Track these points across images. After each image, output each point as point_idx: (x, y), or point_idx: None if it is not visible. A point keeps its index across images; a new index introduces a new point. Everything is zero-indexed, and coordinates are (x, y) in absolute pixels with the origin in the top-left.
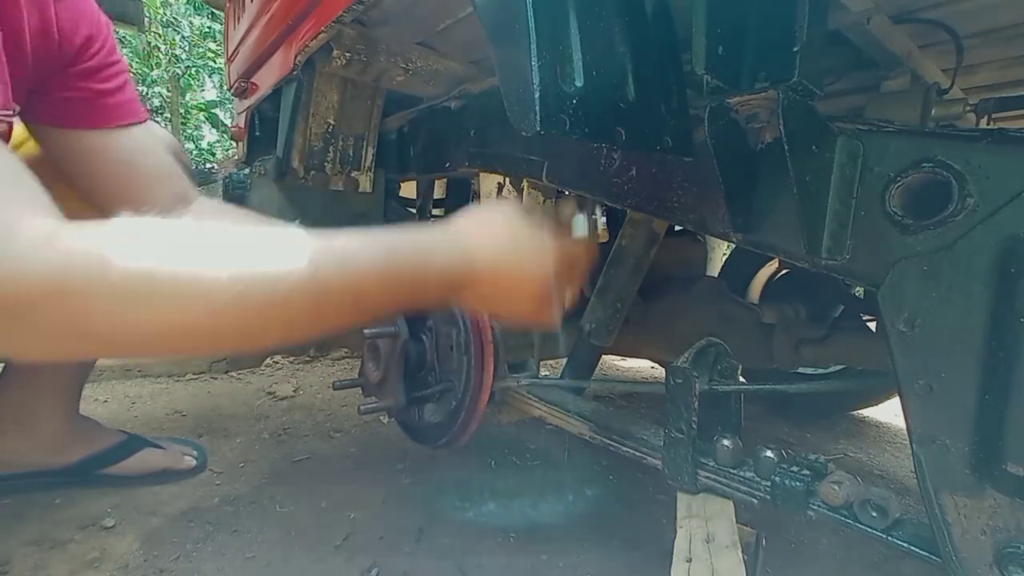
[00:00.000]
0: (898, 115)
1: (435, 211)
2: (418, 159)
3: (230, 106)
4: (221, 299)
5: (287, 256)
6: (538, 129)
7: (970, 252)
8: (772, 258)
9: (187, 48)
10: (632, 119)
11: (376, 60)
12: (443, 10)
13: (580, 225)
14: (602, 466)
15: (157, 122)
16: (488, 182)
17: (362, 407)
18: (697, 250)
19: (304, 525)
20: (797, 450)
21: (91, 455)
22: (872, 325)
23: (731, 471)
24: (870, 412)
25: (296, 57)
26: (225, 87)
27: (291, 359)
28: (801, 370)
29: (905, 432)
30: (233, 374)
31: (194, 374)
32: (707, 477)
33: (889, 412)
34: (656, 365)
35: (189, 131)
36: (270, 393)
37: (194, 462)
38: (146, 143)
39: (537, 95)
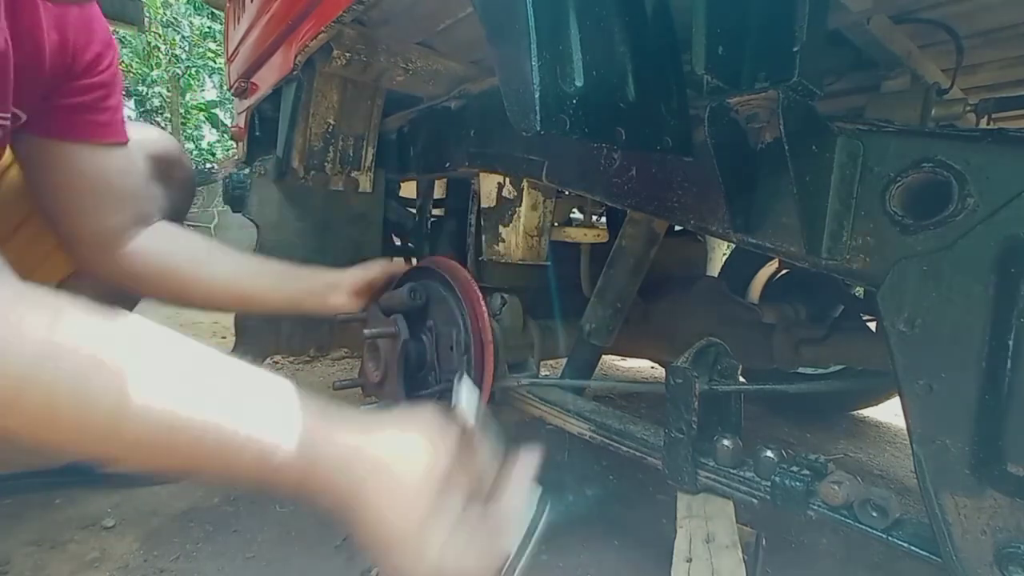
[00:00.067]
0: (898, 115)
1: (435, 211)
2: (418, 159)
3: (230, 106)
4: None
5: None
6: (538, 129)
7: (970, 252)
8: (772, 258)
9: (187, 48)
10: (632, 119)
11: (376, 60)
12: (443, 10)
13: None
14: (602, 466)
15: (157, 122)
16: (488, 182)
17: (362, 407)
18: (697, 250)
19: (304, 525)
20: (797, 450)
21: None
22: (872, 325)
23: (731, 471)
24: (870, 412)
25: (296, 57)
26: (225, 87)
27: (291, 359)
28: (801, 370)
29: (905, 432)
30: None
31: None
32: (707, 477)
33: (889, 412)
34: (656, 365)
35: (189, 131)
36: None
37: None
38: (124, 165)
39: (537, 95)
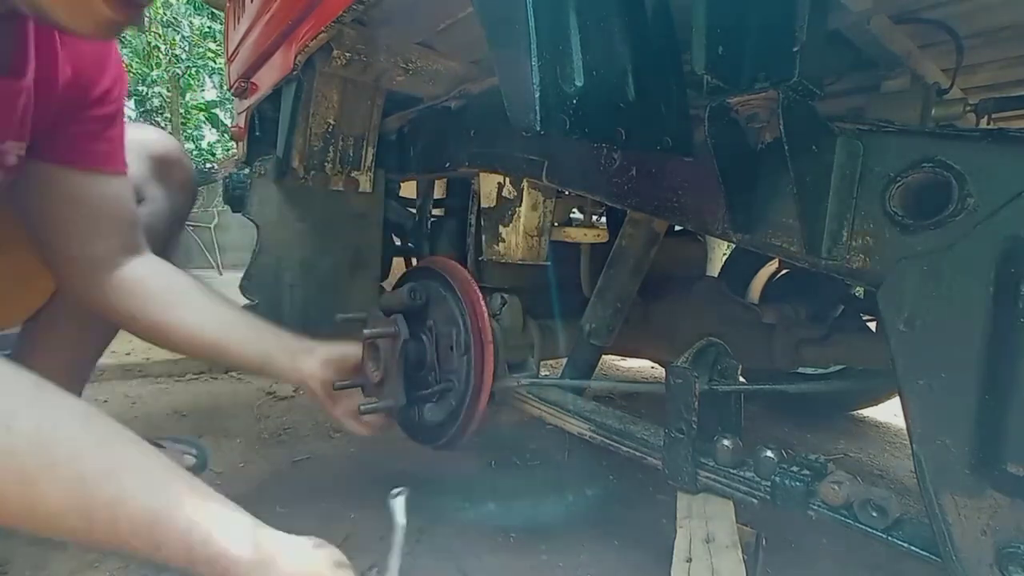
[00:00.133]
0: (898, 115)
1: (435, 211)
2: (418, 159)
3: (230, 106)
4: None
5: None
6: (538, 129)
7: (970, 252)
8: (772, 258)
9: (187, 48)
10: (632, 119)
11: (376, 60)
12: (443, 10)
13: None
14: (602, 466)
15: (157, 122)
16: (488, 182)
17: (362, 407)
18: (697, 250)
19: (304, 525)
20: (797, 450)
21: None
22: (872, 325)
23: (731, 471)
24: (870, 412)
25: (296, 57)
26: (225, 87)
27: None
28: (801, 370)
29: (905, 432)
30: (233, 374)
31: (194, 374)
32: (707, 477)
33: (889, 412)
34: (656, 365)
35: (189, 131)
36: (270, 393)
37: (194, 462)
38: (119, 194)
39: (537, 95)
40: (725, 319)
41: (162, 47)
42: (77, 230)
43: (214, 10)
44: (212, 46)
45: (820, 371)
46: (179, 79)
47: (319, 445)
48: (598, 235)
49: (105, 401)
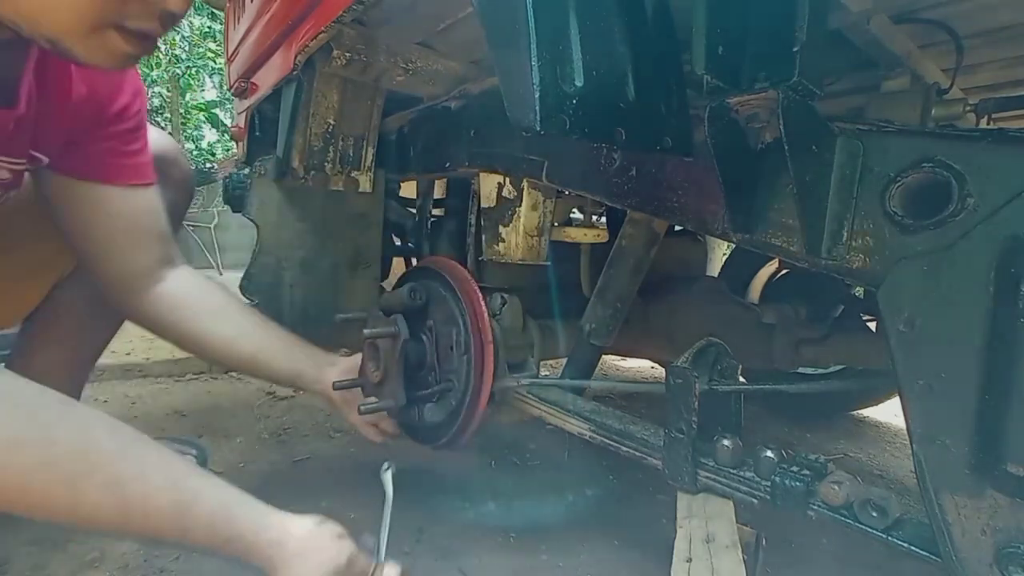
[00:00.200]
0: (898, 115)
1: (435, 211)
2: (418, 159)
3: (230, 106)
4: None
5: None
6: (538, 129)
7: (970, 252)
8: (772, 258)
9: (187, 48)
10: (632, 119)
11: (376, 60)
12: (443, 10)
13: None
14: (602, 466)
15: (157, 122)
16: (488, 182)
17: (362, 407)
18: (697, 250)
19: None
20: (797, 450)
21: None
22: (872, 325)
23: (731, 471)
24: (870, 412)
25: (296, 57)
26: (225, 87)
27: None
28: (801, 370)
29: (905, 432)
30: (233, 374)
31: (194, 374)
32: (707, 477)
33: (889, 412)
34: (656, 365)
35: (189, 131)
36: (270, 393)
37: (194, 462)
38: (149, 206)
39: (537, 95)
40: (725, 319)
41: (162, 47)
42: (114, 245)
43: (214, 10)
44: (212, 46)
45: (820, 371)
46: (179, 79)
47: (319, 445)
48: (598, 235)
49: (105, 401)
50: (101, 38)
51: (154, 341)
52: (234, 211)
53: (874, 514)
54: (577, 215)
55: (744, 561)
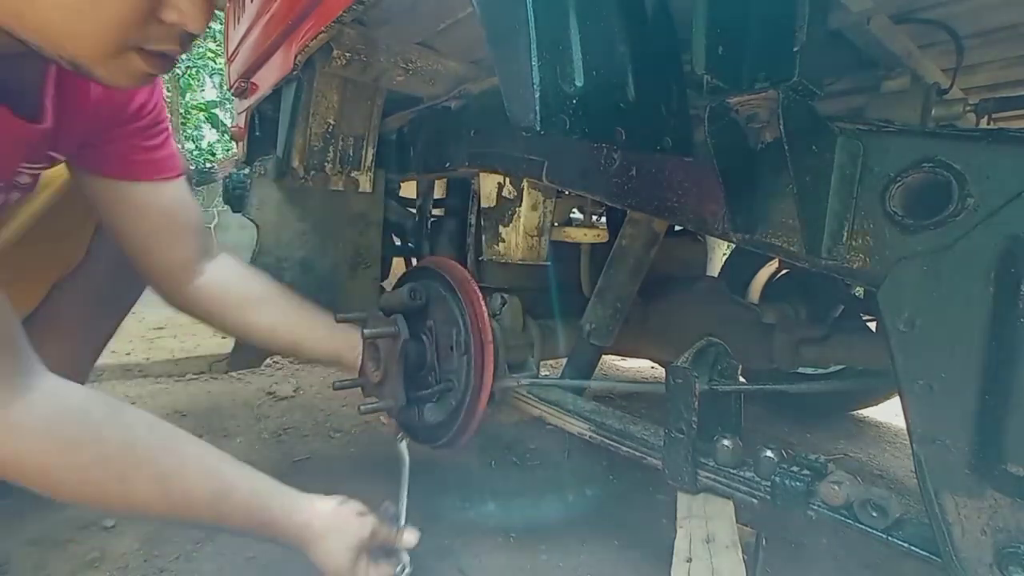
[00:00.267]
0: (898, 115)
1: (435, 211)
2: (418, 159)
3: (230, 106)
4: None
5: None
6: (538, 129)
7: (970, 252)
8: (772, 258)
9: None
10: (632, 119)
11: (376, 60)
12: (443, 10)
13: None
14: (602, 466)
15: None
16: (488, 182)
17: (362, 407)
18: (697, 250)
19: None
20: (797, 450)
21: None
22: (872, 325)
23: (731, 471)
24: (870, 412)
25: (296, 57)
26: (225, 87)
27: (291, 359)
28: (801, 370)
29: (905, 432)
30: (233, 374)
31: (194, 374)
32: (707, 477)
33: (889, 412)
34: (656, 365)
35: (189, 131)
36: (270, 393)
37: None
38: (179, 197)
39: (537, 95)
40: (725, 319)
41: None
42: (151, 240)
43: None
44: (212, 46)
45: (820, 371)
46: (179, 79)
47: (319, 445)
48: (598, 235)
49: None
50: (123, 60)
51: (154, 341)
52: (234, 211)
53: (874, 514)
54: (577, 215)
55: (744, 561)
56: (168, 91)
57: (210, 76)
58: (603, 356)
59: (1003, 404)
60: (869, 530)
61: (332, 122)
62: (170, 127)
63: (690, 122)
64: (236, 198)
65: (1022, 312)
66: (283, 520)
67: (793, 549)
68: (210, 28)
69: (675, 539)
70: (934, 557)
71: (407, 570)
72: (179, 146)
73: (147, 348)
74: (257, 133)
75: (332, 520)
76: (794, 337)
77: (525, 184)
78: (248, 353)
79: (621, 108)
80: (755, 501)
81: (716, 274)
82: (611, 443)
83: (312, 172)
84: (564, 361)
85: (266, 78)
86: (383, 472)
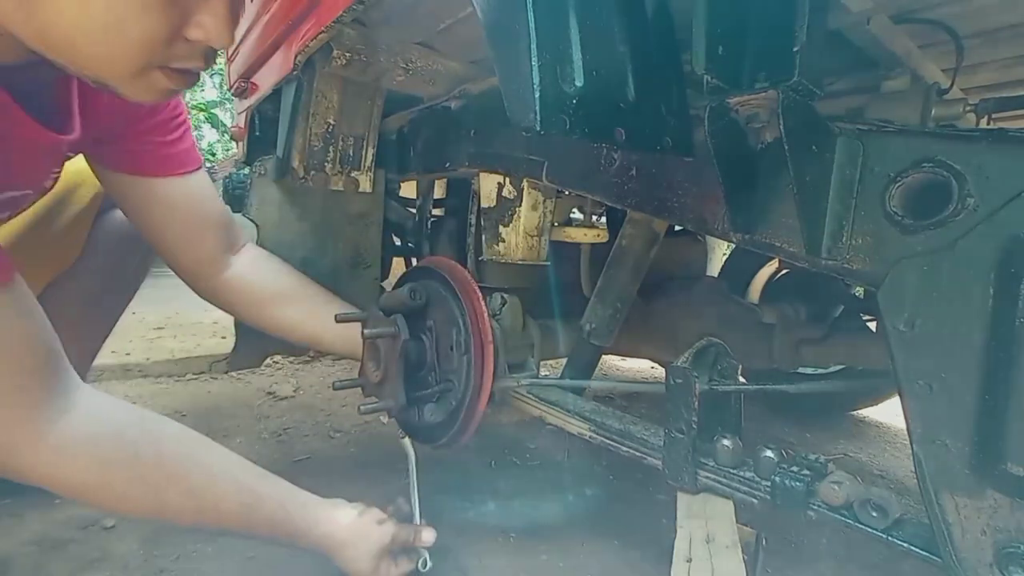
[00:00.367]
0: (898, 115)
1: (435, 211)
2: (418, 159)
3: (230, 106)
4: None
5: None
6: (538, 129)
7: (970, 252)
8: (772, 258)
9: None
10: (632, 119)
11: (376, 60)
12: (443, 10)
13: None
14: (602, 466)
15: None
16: (488, 182)
17: (362, 407)
18: (697, 250)
19: None
20: (797, 450)
21: None
22: (872, 325)
23: (731, 471)
24: (870, 412)
25: (296, 57)
26: (225, 87)
27: (291, 359)
28: (801, 370)
29: (905, 432)
30: (233, 374)
31: (194, 374)
32: (707, 477)
33: (889, 412)
34: (656, 365)
35: None
36: (270, 393)
37: None
38: (200, 191)
39: (537, 95)
40: (725, 319)
41: None
42: (175, 235)
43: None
44: None
45: (820, 371)
46: None
47: (319, 445)
48: (598, 235)
49: None
50: (147, 78)
51: (154, 341)
52: (234, 211)
53: (874, 514)
54: (577, 215)
55: (744, 561)
56: None
57: (210, 76)
58: (603, 356)
59: (1003, 404)
60: (869, 530)
61: (332, 122)
62: (188, 120)
63: (690, 122)
64: (236, 198)
65: (1022, 312)
66: (306, 531)
67: (793, 549)
68: None
69: (675, 539)
70: (934, 557)
71: (428, 565)
72: None
73: (147, 348)
74: (257, 133)
75: (353, 530)
76: (794, 337)
77: (525, 184)
78: (248, 353)
79: (621, 108)
80: (755, 501)
81: (716, 274)
82: (611, 443)
83: (312, 172)
84: (564, 361)
85: (266, 78)
86: (384, 472)
